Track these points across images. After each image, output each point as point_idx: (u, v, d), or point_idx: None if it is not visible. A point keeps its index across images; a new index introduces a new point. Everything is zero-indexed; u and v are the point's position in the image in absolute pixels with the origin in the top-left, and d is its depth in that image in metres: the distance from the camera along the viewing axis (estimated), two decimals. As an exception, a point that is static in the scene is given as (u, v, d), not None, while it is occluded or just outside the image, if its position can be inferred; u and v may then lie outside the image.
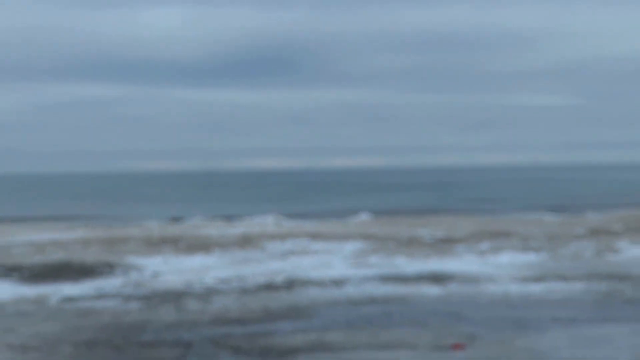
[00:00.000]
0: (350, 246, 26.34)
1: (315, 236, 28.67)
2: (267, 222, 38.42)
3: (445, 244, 26.61)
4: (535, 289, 18.48)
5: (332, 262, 23.13)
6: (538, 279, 19.96)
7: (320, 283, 19.49)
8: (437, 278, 20.16)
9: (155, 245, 26.73)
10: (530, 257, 24.10)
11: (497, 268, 22.04)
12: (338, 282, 19.57)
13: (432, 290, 18.42)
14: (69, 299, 17.72)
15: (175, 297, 17.77)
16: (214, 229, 33.79)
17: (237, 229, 34.13)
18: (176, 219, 42.95)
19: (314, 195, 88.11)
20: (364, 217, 42.30)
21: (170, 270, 22.00)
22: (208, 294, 18.18)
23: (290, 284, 19.37)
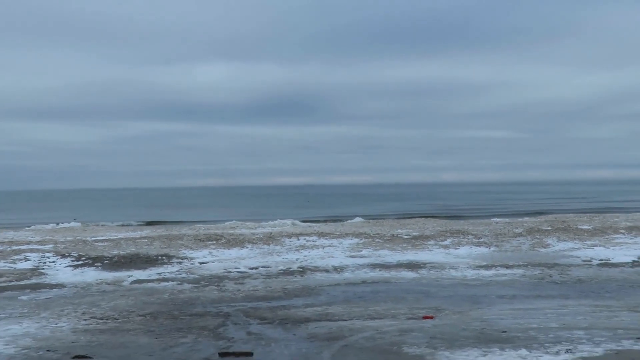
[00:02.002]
0: (347, 242, 26.31)
1: (321, 234, 28.61)
2: (285, 224, 38.39)
3: (418, 240, 26.56)
4: (486, 273, 18.45)
5: (334, 253, 23.10)
6: (488, 266, 19.92)
7: (325, 269, 19.48)
8: (412, 265, 20.14)
9: (202, 241, 26.71)
10: (482, 250, 24.05)
11: (457, 258, 22.01)
12: (338, 269, 19.55)
13: (408, 274, 18.39)
14: (138, 282, 17.76)
15: (217, 280, 17.79)
16: (246, 229, 33.77)
17: (263, 229, 34.11)
18: (217, 222, 42.92)
19: (320, 204, 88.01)
20: (357, 220, 42.23)
21: (213, 260, 22.02)
22: (241, 277, 18.20)
23: (303, 270, 19.37)
